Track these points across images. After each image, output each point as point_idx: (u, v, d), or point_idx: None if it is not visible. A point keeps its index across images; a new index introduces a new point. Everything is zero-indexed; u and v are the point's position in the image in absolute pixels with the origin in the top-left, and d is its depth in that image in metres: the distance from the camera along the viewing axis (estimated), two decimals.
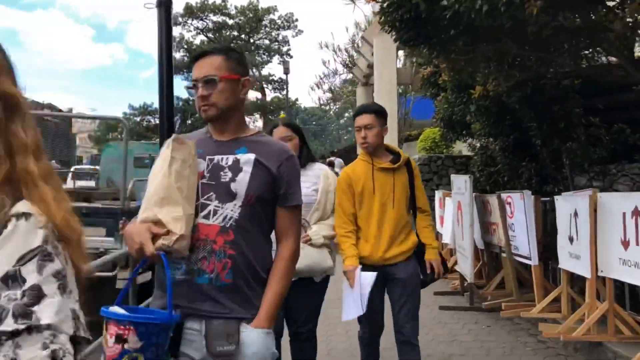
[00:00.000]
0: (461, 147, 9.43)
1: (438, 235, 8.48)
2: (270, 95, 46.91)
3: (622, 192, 3.54)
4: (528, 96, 5.21)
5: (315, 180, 2.93)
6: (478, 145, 7.32)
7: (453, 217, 6.59)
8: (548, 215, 5.26)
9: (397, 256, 2.99)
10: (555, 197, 4.65)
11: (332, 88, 18.24)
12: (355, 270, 2.91)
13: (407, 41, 4.04)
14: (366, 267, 2.93)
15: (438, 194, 8.08)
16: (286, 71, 21.69)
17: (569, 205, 4.36)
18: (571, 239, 4.34)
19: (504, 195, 5.45)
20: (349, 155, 16.55)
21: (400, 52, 14.32)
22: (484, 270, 6.46)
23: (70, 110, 37.87)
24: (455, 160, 8.73)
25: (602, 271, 3.91)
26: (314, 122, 65.46)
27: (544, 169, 6.01)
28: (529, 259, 5.00)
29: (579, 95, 5.30)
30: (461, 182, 5.96)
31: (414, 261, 3.06)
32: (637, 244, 3.50)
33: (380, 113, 3.04)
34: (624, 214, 3.63)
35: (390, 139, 10.09)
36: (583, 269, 4.08)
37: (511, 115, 6.11)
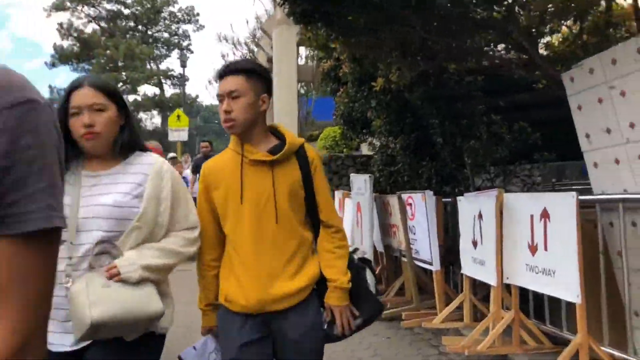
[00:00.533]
0: (364, 146, 9.14)
1: None
2: (170, 91, 44.87)
3: (530, 193, 3.26)
4: (430, 91, 4.92)
5: (139, 181, 1.75)
6: (378, 144, 7.00)
7: (352, 219, 6.18)
8: (450, 218, 4.99)
9: (285, 299, 1.91)
10: (458, 198, 4.35)
11: None
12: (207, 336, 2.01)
13: (302, 16, 3.50)
14: (236, 315, 1.93)
15: (338, 195, 7.67)
16: (183, 64, 20.53)
17: (473, 207, 4.06)
18: (475, 243, 4.05)
19: (404, 196, 5.11)
20: None
21: (302, 49, 13.91)
22: (383, 275, 6.12)
23: None
24: (355, 160, 8.40)
25: (507, 278, 3.62)
26: (216, 121, 63.75)
27: (444, 169, 5.77)
28: (430, 264, 4.68)
29: (482, 92, 5.09)
30: (361, 182, 5.55)
31: (313, 305, 1.98)
32: (546, 249, 3.22)
33: (253, 73, 1.94)
34: (532, 216, 3.36)
35: None
36: (488, 276, 3.78)
37: (413, 112, 5.82)
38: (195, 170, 9.39)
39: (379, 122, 6.13)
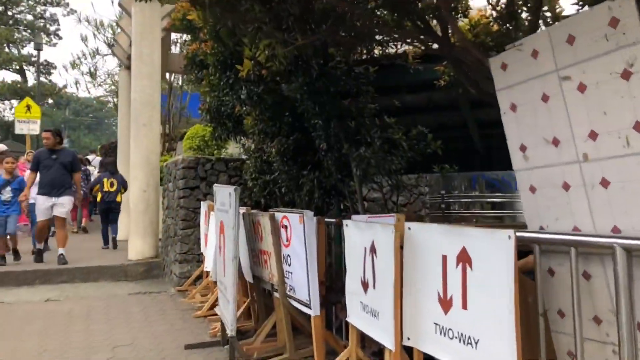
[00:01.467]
0: (236, 149, 7.89)
1: (201, 259, 6.81)
2: (34, 79, 40.20)
3: (443, 225, 2.26)
4: (313, 83, 3.84)
5: None
6: (252, 146, 5.83)
7: (215, 243, 4.95)
8: (335, 242, 3.96)
9: None
10: (345, 222, 3.32)
11: (92, 70, 15.27)
12: None
13: None
14: None
15: (203, 207, 6.39)
16: (37, 47, 17.77)
17: (364, 236, 3.05)
18: (365, 285, 3.03)
19: (278, 215, 3.99)
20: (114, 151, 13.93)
21: (175, 37, 12.33)
22: (252, 312, 4.97)
23: None
24: (228, 165, 7.15)
25: (408, 339, 2.64)
26: (90, 115, 58.43)
27: (329, 180, 4.75)
28: (308, 306, 3.60)
29: (374, 88, 4.13)
30: (225, 195, 4.35)
31: None
32: (465, 307, 2.26)
33: None
34: (445, 257, 2.39)
35: (152, 137, 8.07)
36: (382, 334, 2.77)
37: (292, 109, 4.73)
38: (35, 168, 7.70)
39: (250, 120, 4.98)
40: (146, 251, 8.07)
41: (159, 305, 6.25)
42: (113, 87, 14.48)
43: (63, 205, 7.85)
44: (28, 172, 8.90)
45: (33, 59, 39.70)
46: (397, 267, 2.66)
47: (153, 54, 7.96)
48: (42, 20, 40.38)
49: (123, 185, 9.46)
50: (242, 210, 4.67)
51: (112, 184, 9.35)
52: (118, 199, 9.48)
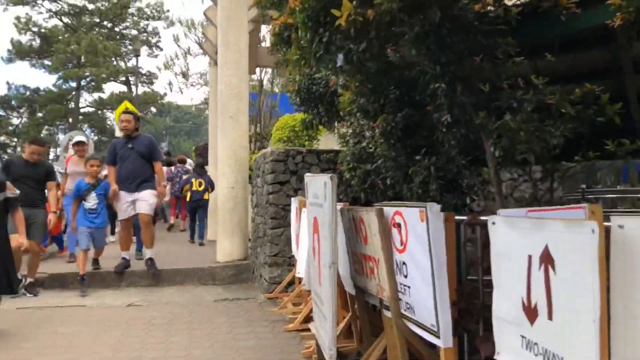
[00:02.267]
0: (331, 139, 7.03)
1: (292, 262, 6.02)
2: (140, 90, 42.65)
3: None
4: (433, 31, 2.87)
5: None
6: (350, 131, 4.94)
7: (308, 244, 4.11)
8: (464, 250, 2.94)
9: None
10: (491, 219, 2.30)
11: (184, 70, 15.22)
12: None
13: None
14: None
15: (294, 203, 5.61)
16: (136, 52, 18.21)
17: (528, 239, 2.02)
18: (532, 312, 2.00)
19: (389, 211, 3.04)
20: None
21: (264, 29, 11.81)
22: (355, 327, 4.06)
23: None
24: (320, 156, 6.33)
25: None
26: (190, 121, 61.11)
27: (447, 166, 3.73)
28: (434, 333, 2.62)
29: (513, 29, 3.06)
30: (319, 186, 3.49)
31: None
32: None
33: None
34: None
35: (240, 130, 7.44)
36: None
37: (399, 80, 3.78)
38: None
39: (347, 95, 4.09)
40: (235, 252, 7.45)
41: (247, 314, 5.54)
42: (205, 87, 14.35)
43: (146, 200, 6.84)
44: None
45: (138, 70, 42.05)
46: (601, 285, 1.62)
47: (240, 41, 7.34)
48: (145, 34, 42.54)
49: (210, 185, 9.96)
50: (340, 205, 3.78)
51: (200, 184, 9.89)
52: (205, 197, 10.01)
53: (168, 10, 44.35)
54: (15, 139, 38.96)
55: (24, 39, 39.10)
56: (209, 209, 10.29)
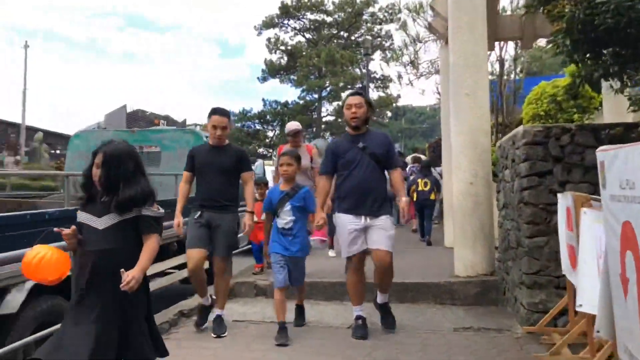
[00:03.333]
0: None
1: (563, 285, 4.23)
2: (375, 94, 43.80)
3: None
4: None
5: None
6: None
7: (599, 265, 2.43)
8: None
9: None
10: None
11: (413, 59, 13.97)
12: None
13: None
14: None
15: (564, 201, 3.87)
16: (366, 51, 17.81)
17: None
18: None
19: None
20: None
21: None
22: None
23: (184, 121, 37.39)
24: (599, 134, 4.41)
25: None
26: (425, 124, 60.55)
27: None
28: None
29: None
30: (633, 169, 1.85)
31: None
32: None
33: None
34: None
35: (479, 110, 5.88)
36: None
37: None
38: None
39: None
40: (477, 265, 5.92)
41: (500, 356, 4.02)
42: (436, 75, 13.03)
43: (385, 229, 4.53)
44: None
45: (372, 75, 43.02)
46: None
47: (473, 16, 5.80)
48: (379, 39, 43.26)
49: (436, 185, 9.84)
50: None
51: (425, 184, 9.78)
52: (432, 197, 9.84)
53: (399, 11, 44.19)
54: (270, 150, 43.37)
55: (274, 57, 43.41)
56: (444, 210, 9.63)
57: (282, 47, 43.12)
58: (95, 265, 2.64)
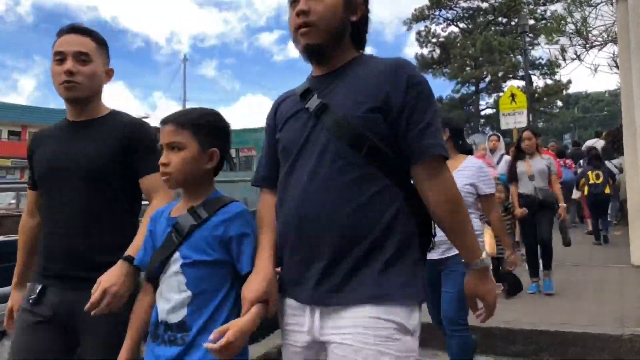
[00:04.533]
0: None
1: None
2: (538, 81, 39.93)
3: None
4: None
5: None
6: None
7: None
8: None
9: None
10: None
11: (579, 27, 11.29)
12: None
13: None
14: None
15: None
16: (522, 28, 15.33)
17: None
18: None
19: None
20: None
21: None
22: None
23: None
24: None
25: None
26: (605, 111, 53.26)
27: None
28: None
29: None
30: None
31: None
32: None
33: None
34: None
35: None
36: None
37: None
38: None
39: None
40: None
41: None
42: (611, 45, 10.30)
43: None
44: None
45: (537, 61, 39.03)
46: None
47: None
48: (544, 21, 39.02)
49: (610, 176, 8.94)
50: None
51: (597, 176, 8.78)
52: (606, 190, 8.76)
53: None
54: None
55: (425, 51, 41.63)
56: (629, 214, 7.87)
57: (434, 40, 41.09)
58: None
